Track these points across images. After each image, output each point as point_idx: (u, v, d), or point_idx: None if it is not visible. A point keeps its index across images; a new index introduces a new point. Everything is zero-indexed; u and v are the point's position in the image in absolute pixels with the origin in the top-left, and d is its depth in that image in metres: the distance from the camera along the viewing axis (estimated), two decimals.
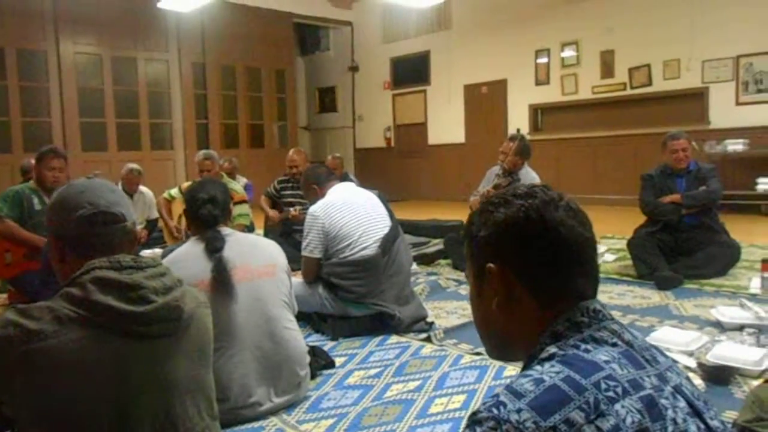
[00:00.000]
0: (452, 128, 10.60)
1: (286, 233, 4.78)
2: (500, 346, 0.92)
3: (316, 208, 3.19)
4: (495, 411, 0.69)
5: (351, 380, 2.51)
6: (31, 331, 1.09)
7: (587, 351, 0.76)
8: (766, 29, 7.24)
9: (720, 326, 2.97)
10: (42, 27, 8.78)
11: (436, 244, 5.20)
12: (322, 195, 3.32)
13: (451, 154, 10.61)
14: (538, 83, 9.40)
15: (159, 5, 8.49)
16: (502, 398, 0.70)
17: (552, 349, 0.78)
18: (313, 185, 3.41)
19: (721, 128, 7.58)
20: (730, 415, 2.01)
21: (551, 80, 9.23)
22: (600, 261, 4.55)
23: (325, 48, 12.87)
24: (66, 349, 1.10)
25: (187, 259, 2.18)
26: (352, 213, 3.17)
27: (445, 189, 10.49)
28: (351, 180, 4.50)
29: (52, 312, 1.12)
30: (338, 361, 2.72)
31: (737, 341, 2.68)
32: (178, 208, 4.91)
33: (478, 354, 2.69)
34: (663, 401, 0.73)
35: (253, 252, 2.30)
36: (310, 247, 3.16)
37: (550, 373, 0.72)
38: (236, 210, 4.71)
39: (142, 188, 5.76)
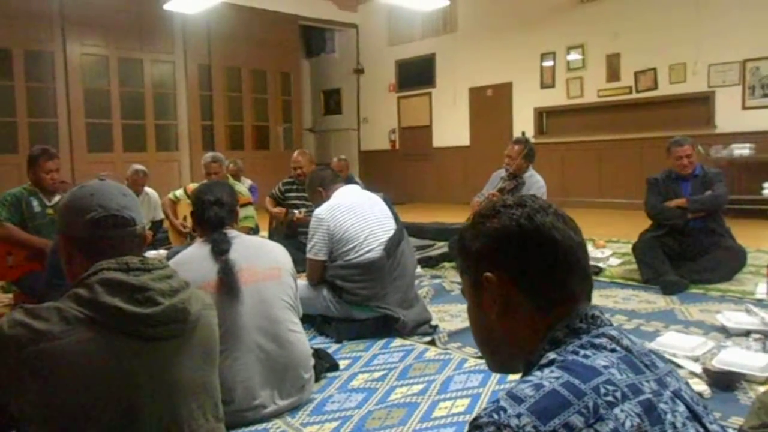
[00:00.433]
0: (457, 131, 10.60)
1: (291, 235, 4.78)
2: (502, 358, 0.93)
3: (321, 211, 3.20)
4: (495, 416, 0.70)
5: (355, 383, 2.51)
6: (39, 332, 1.09)
7: (586, 356, 0.77)
8: None
9: (726, 331, 2.96)
10: (49, 28, 8.83)
11: (441, 247, 5.19)
12: (328, 197, 3.33)
13: (455, 157, 10.61)
14: (543, 86, 9.39)
15: (165, 7, 8.54)
16: (502, 403, 0.71)
17: (551, 355, 0.79)
18: (319, 188, 3.41)
19: (727, 132, 7.56)
20: (736, 421, 2.01)
21: (557, 83, 9.23)
22: (605, 265, 4.55)
23: (331, 50, 12.90)
24: (73, 350, 1.10)
25: (194, 261, 2.19)
26: (358, 216, 3.18)
27: (449, 192, 10.49)
28: (356, 182, 4.50)
29: (60, 313, 1.12)
30: (342, 363, 2.72)
31: (743, 347, 2.67)
32: (183, 209, 4.92)
33: (482, 358, 2.68)
34: (662, 405, 0.74)
35: (259, 254, 2.30)
36: (315, 249, 3.16)
37: (549, 378, 0.73)
38: (241, 212, 4.71)
39: (148, 189, 5.78)
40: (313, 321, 3.21)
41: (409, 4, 9.17)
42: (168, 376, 1.20)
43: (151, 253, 4.53)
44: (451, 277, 4.43)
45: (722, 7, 7.52)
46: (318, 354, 2.59)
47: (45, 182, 3.78)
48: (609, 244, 5.27)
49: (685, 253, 4.14)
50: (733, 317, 3.02)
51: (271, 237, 5.13)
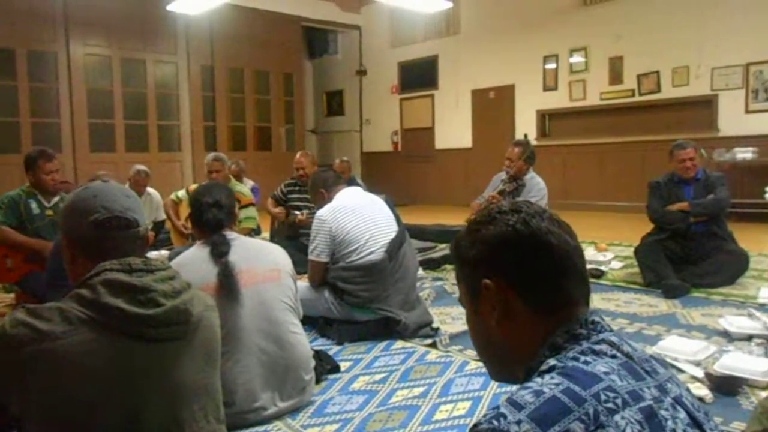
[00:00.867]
0: (459, 133, 10.60)
1: (293, 237, 4.79)
2: (503, 366, 0.93)
3: (323, 212, 3.20)
4: (495, 422, 0.70)
5: (356, 385, 2.51)
6: (41, 332, 1.10)
7: (587, 363, 0.77)
8: None
9: (728, 336, 2.95)
10: (52, 28, 8.85)
11: (443, 249, 5.19)
12: (330, 199, 3.33)
13: (458, 159, 10.61)
14: (546, 89, 9.39)
15: (168, 8, 8.55)
16: (502, 410, 0.71)
17: (551, 362, 0.79)
18: (321, 189, 3.41)
19: (730, 136, 7.55)
20: (738, 426, 2.00)
21: (559, 86, 9.22)
22: (607, 268, 4.54)
23: (334, 52, 12.91)
24: (75, 351, 1.10)
25: (193, 263, 2.18)
26: (360, 217, 3.18)
27: (451, 194, 10.48)
28: (358, 184, 4.50)
29: (62, 313, 1.12)
30: (343, 365, 2.72)
31: (745, 351, 2.67)
32: (185, 210, 4.93)
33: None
34: (663, 412, 0.73)
35: (259, 256, 2.30)
36: (317, 251, 3.16)
37: (549, 384, 0.73)
38: (243, 213, 4.73)
39: (150, 190, 5.79)
40: (314, 323, 3.21)
41: (412, 6, 9.18)
42: (170, 378, 1.20)
43: (153, 254, 4.54)
44: (452, 280, 4.42)
45: (725, 11, 7.52)
46: (319, 356, 2.59)
47: (46, 184, 3.77)
48: (611, 248, 5.27)
49: (688, 256, 4.13)
50: (735, 321, 3.02)
51: (272, 238, 5.14)
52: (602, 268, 4.50)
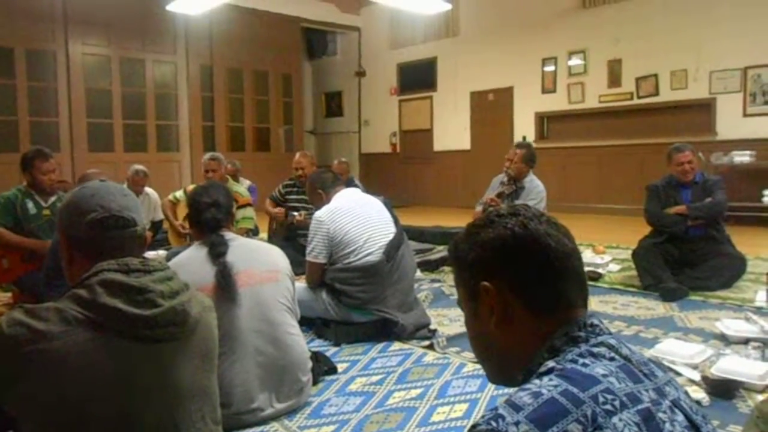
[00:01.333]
0: (458, 135, 10.61)
1: (290, 237, 4.78)
2: (501, 368, 0.93)
3: (321, 213, 3.20)
4: (494, 423, 0.70)
5: (353, 387, 2.51)
6: (38, 332, 1.09)
7: (585, 365, 0.77)
8: None
9: (725, 339, 2.96)
10: (51, 28, 8.83)
11: (441, 251, 5.20)
12: (328, 200, 3.33)
13: (456, 161, 10.62)
14: (544, 91, 9.40)
15: (168, 8, 8.54)
16: (500, 411, 0.71)
17: (550, 364, 0.79)
18: (319, 190, 3.41)
19: (727, 140, 7.57)
20: (734, 429, 2.01)
21: (558, 88, 9.24)
22: (604, 271, 4.54)
23: (333, 53, 12.92)
24: (72, 351, 1.10)
25: (191, 264, 2.18)
26: (358, 219, 3.18)
27: (450, 195, 10.49)
28: (356, 185, 4.50)
29: (60, 313, 1.12)
30: (340, 367, 2.72)
31: (742, 355, 2.67)
32: (183, 210, 4.92)
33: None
34: (661, 415, 0.74)
35: (256, 257, 2.30)
36: (315, 252, 3.16)
37: (548, 386, 0.73)
38: (240, 213, 4.73)
39: (148, 189, 5.78)
40: (311, 324, 3.21)
41: (411, 8, 9.18)
42: (167, 379, 1.20)
43: (150, 254, 4.53)
44: (450, 281, 4.42)
45: (724, 14, 7.54)
46: (316, 357, 2.58)
47: (43, 183, 3.76)
48: (608, 250, 5.28)
49: (685, 260, 4.14)
50: (732, 325, 3.02)
51: (270, 239, 5.14)
52: (600, 270, 4.50)
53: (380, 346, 3.02)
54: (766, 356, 2.63)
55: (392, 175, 11.50)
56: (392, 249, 3.18)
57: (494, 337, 0.89)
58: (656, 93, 8.23)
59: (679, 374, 2.47)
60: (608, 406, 0.70)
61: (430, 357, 2.84)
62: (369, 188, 4.75)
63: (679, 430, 0.74)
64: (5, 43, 8.44)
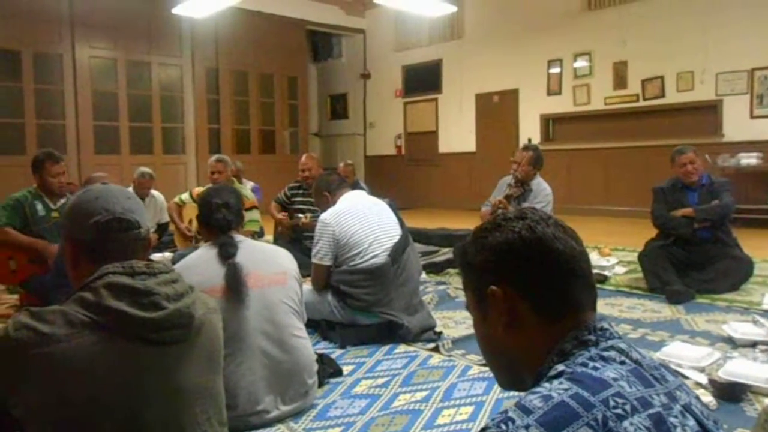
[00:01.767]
0: (463, 137, 10.60)
1: (296, 240, 4.79)
2: (510, 372, 0.92)
3: (327, 216, 3.20)
4: (503, 426, 0.69)
5: (358, 389, 2.51)
6: (44, 335, 1.10)
7: (596, 369, 0.76)
8: None
9: (732, 342, 2.94)
10: (58, 31, 8.88)
11: (446, 254, 5.18)
12: (334, 202, 3.33)
13: (461, 163, 10.61)
14: (550, 93, 9.38)
15: (174, 11, 8.58)
16: (510, 414, 0.71)
17: (560, 367, 0.79)
18: (325, 192, 3.42)
19: (734, 141, 7.53)
20: None
21: (563, 90, 9.22)
22: (610, 273, 4.53)
23: (338, 55, 12.94)
24: (77, 354, 1.10)
25: (200, 265, 2.19)
26: (363, 221, 3.18)
27: (455, 198, 10.48)
28: (361, 187, 4.50)
29: (65, 316, 1.12)
30: (346, 369, 2.72)
31: (750, 358, 2.66)
32: (189, 213, 4.94)
33: (486, 365, 2.67)
34: (672, 419, 0.73)
35: (265, 259, 2.30)
36: (321, 254, 3.16)
37: (558, 389, 0.72)
38: (246, 216, 4.72)
39: (154, 192, 5.80)
40: (317, 326, 3.21)
41: (416, 10, 9.19)
42: (172, 381, 1.20)
43: (156, 256, 4.55)
44: (456, 284, 4.42)
45: (730, 16, 7.51)
46: (322, 359, 2.58)
47: (52, 186, 3.79)
48: (614, 252, 5.26)
49: (692, 262, 4.12)
50: (739, 328, 3.00)
51: (276, 241, 5.14)
52: (606, 273, 4.49)
53: (385, 348, 3.02)
54: None
55: (397, 177, 11.50)
56: (398, 251, 3.18)
57: (503, 341, 0.88)
58: (662, 95, 8.20)
59: (686, 377, 2.46)
60: (619, 410, 0.70)
61: (436, 359, 2.84)
62: (374, 190, 4.75)
63: None
64: (12, 46, 8.49)
